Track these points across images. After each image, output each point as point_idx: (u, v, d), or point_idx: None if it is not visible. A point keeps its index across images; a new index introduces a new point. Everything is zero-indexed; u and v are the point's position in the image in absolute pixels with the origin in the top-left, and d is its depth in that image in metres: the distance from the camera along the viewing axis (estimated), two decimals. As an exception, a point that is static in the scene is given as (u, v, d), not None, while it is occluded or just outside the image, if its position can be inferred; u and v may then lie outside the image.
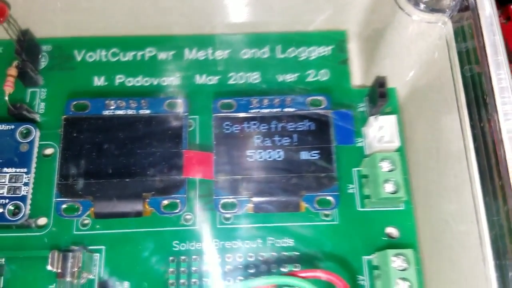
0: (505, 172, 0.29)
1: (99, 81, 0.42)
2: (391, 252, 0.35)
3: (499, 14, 0.44)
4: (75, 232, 0.37)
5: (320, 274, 0.31)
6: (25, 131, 0.38)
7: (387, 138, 0.38)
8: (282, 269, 0.36)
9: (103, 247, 0.37)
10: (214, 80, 0.42)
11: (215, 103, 0.39)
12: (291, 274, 0.31)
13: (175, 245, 0.37)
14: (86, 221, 0.38)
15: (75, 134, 0.37)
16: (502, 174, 0.29)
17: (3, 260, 0.36)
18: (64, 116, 0.38)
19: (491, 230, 0.30)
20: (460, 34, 0.34)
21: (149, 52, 0.43)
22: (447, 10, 0.34)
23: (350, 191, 0.39)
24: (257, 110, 0.38)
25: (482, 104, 0.31)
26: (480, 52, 0.31)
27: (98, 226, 0.37)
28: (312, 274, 0.31)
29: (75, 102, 0.38)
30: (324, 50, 0.43)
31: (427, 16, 0.35)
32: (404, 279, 0.34)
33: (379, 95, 0.38)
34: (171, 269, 0.36)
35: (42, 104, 0.41)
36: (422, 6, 0.35)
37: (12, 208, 0.36)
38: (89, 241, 0.37)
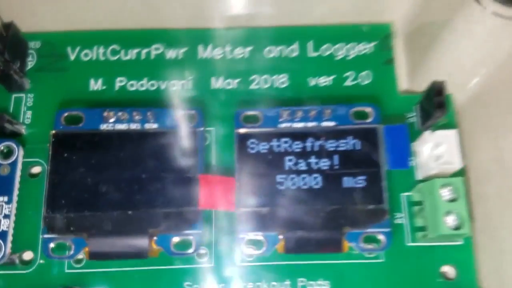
0: None
1: (96, 85, 0.36)
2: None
3: None
4: (67, 271, 0.31)
5: None
6: (5, 150, 0.32)
7: (446, 158, 0.32)
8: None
9: (100, 289, 0.31)
10: (233, 84, 0.36)
11: (237, 116, 0.32)
12: None
13: (186, 287, 0.31)
14: (80, 256, 0.31)
15: (65, 155, 0.30)
16: None
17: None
18: (53, 132, 0.32)
19: None
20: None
21: (155, 49, 0.37)
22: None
23: (398, 221, 0.33)
24: (289, 124, 0.32)
25: None
26: None
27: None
28: None
29: (66, 114, 0.32)
30: (365, 48, 0.37)
31: (506, 10, 0.28)
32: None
33: (437, 105, 0.32)
34: (182, 315, 0.31)
35: (29, 113, 0.35)
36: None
37: (-12, 246, 0.30)
38: (85, 281, 0.31)
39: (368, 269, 0.32)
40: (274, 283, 0.31)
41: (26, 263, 0.32)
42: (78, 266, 0.31)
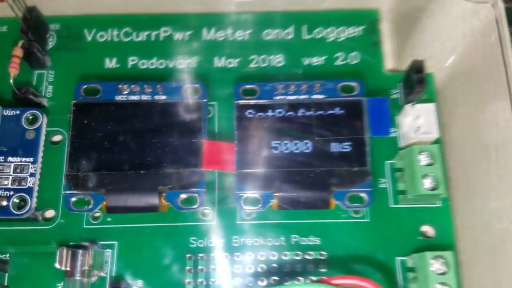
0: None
1: (110, 63, 0.39)
2: (429, 254, 0.32)
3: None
4: (85, 226, 0.35)
5: (357, 282, 0.27)
6: (31, 117, 0.35)
7: (425, 128, 0.35)
8: (308, 270, 0.34)
9: (115, 242, 0.35)
10: (234, 63, 0.39)
11: (236, 89, 0.36)
12: (322, 281, 0.28)
13: (192, 241, 0.35)
14: (97, 214, 0.35)
15: (85, 121, 0.34)
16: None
17: (8, 255, 0.34)
18: (74, 102, 0.35)
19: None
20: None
21: (164, 32, 0.40)
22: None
23: (382, 185, 0.36)
24: (283, 96, 0.35)
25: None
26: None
27: (109, 219, 0.35)
28: (347, 281, 0.27)
29: (85, 86, 0.35)
30: (355, 31, 0.40)
31: (474, -7, 0.32)
32: (443, 283, 0.31)
33: (416, 81, 0.35)
34: (188, 267, 0.34)
35: (50, 87, 0.38)
36: None
37: (17, 201, 0.34)
38: (101, 236, 0.35)
39: (355, 227, 0.35)
40: (270, 238, 0.35)
41: (48, 220, 0.35)
42: (95, 222, 0.35)
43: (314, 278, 0.32)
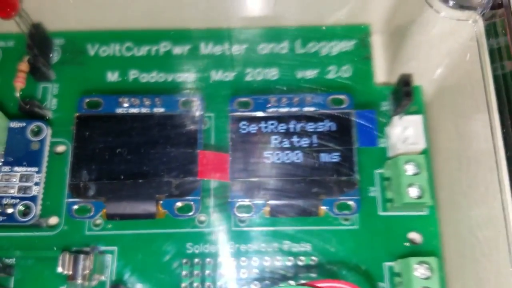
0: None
1: (112, 77, 0.41)
2: (413, 260, 0.33)
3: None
4: (87, 233, 0.37)
5: (340, 285, 0.29)
6: (36, 129, 0.37)
7: (412, 139, 0.37)
8: (299, 275, 0.35)
9: (115, 248, 0.36)
10: (230, 76, 0.41)
11: (232, 102, 0.37)
12: (308, 284, 0.29)
13: (188, 247, 0.36)
14: (98, 221, 0.37)
15: (87, 133, 0.36)
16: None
17: (14, 260, 0.36)
18: (77, 114, 0.37)
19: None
20: (492, 32, 0.32)
21: (163, 46, 0.42)
22: (479, 7, 0.32)
23: (371, 194, 0.37)
24: (275, 109, 0.37)
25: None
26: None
27: (110, 226, 0.37)
28: (331, 284, 0.29)
29: (88, 100, 0.37)
30: (346, 45, 0.42)
31: (456, 13, 0.33)
32: (426, 288, 0.33)
33: (404, 94, 0.37)
34: (184, 272, 0.36)
35: (54, 100, 0.40)
36: (451, 3, 0.33)
37: (23, 208, 0.35)
38: (101, 241, 0.36)
39: (345, 234, 0.36)
40: (263, 244, 0.36)
41: (52, 227, 0.37)
42: (96, 229, 0.36)
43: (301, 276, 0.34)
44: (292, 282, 0.34)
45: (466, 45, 0.34)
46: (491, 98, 0.31)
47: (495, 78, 0.31)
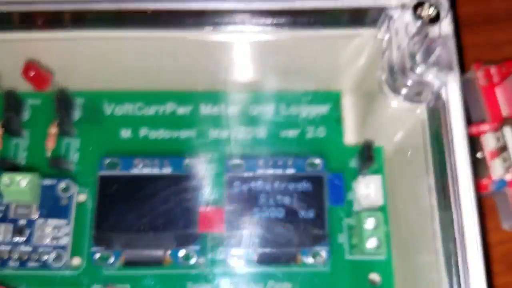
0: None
1: (126, 134, 0.48)
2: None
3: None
4: (104, 273, 0.44)
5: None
6: (64, 186, 0.44)
7: (372, 197, 0.45)
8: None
9: (127, 285, 0.43)
10: (226, 135, 0.48)
11: (227, 163, 0.45)
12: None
13: (189, 285, 0.44)
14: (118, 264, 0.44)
15: (109, 192, 0.43)
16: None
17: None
18: (100, 175, 0.44)
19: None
20: (434, 122, 0.39)
21: (170, 107, 0.49)
22: (424, 102, 0.40)
23: (340, 240, 0.45)
24: (263, 170, 0.44)
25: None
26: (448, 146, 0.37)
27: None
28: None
29: (108, 161, 0.44)
30: (322, 109, 0.49)
31: (405, 104, 0.40)
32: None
33: (366, 158, 0.44)
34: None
35: (76, 155, 0.47)
36: (401, 96, 0.40)
37: (54, 256, 0.42)
38: (117, 280, 0.44)
39: (319, 275, 0.44)
40: (252, 283, 0.44)
41: (75, 268, 0.44)
42: (112, 269, 0.44)
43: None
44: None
45: (413, 128, 0.41)
46: (430, 175, 0.39)
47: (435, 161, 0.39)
